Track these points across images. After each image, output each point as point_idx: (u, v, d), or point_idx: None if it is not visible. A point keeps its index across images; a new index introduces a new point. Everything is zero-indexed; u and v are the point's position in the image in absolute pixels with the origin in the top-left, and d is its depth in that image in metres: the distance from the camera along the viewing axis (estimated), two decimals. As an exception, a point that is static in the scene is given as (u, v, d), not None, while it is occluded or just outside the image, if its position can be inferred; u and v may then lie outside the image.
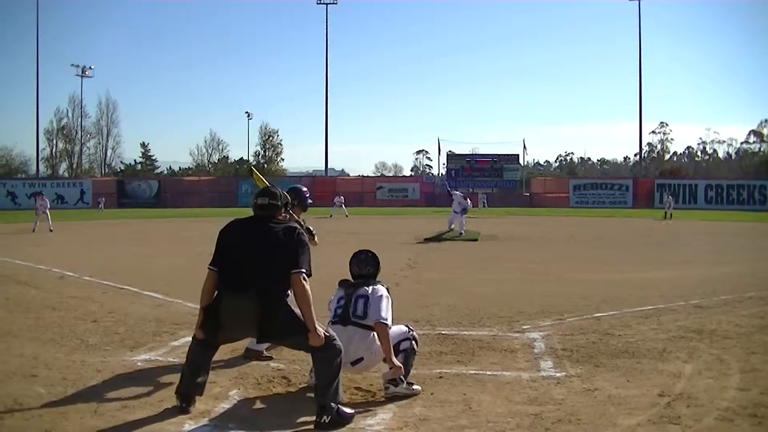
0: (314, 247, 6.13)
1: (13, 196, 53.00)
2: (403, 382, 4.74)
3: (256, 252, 4.26)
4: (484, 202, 47.05)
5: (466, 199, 22.04)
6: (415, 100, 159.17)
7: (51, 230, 23.91)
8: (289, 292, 4.28)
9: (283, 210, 4.66)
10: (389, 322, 4.78)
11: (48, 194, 28.68)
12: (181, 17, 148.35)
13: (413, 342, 4.96)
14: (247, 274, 4.21)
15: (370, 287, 4.91)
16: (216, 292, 4.34)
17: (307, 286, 4.24)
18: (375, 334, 4.74)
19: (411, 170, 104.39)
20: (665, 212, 34.85)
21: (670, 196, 37.81)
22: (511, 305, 8.38)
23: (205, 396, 4.52)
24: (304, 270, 4.25)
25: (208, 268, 4.40)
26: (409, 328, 5.06)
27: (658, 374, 5.27)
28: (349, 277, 5.07)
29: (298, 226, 4.50)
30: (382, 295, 4.87)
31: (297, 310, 4.24)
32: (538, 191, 59.18)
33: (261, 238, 4.31)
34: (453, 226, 21.45)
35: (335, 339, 4.32)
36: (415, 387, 4.83)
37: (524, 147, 63.80)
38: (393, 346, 4.80)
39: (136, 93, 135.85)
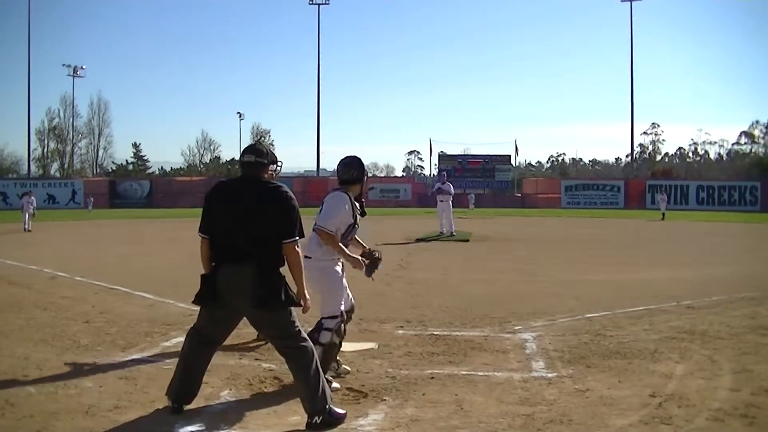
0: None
1: (4, 196, 52.49)
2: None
3: (244, 216, 4.16)
4: (473, 203, 47.01)
5: (445, 184, 20.46)
6: (407, 100, 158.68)
7: (29, 230, 23.52)
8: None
9: (269, 168, 4.44)
10: (330, 228, 4.83)
11: (39, 194, 28.35)
12: (172, 17, 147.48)
13: (334, 335, 4.81)
14: (239, 241, 4.14)
15: (332, 192, 4.99)
16: (214, 263, 4.27)
17: (300, 252, 4.27)
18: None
19: (403, 171, 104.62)
20: (662, 212, 34.77)
21: (663, 194, 37.85)
22: (502, 306, 8.40)
23: (197, 396, 4.50)
24: (297, 238, 4.21)
25: (199, 235, 4.33)
26: (342, 314, 4.91)
27: (649, 375, 5.29)
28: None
29: (286, 186, 4.29)
30: (333, 201, 4.89)
31: (287, 287, 4.21)
32: (529, 192, 59.20)
33: (248, 200, 4.19)
34: (444, 227, 20.25)
35: (306, 340, 4.28)
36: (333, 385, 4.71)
37: (516, 148, 63.91)
38: (315, 327, 4.80)
39: (127, 93, 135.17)
